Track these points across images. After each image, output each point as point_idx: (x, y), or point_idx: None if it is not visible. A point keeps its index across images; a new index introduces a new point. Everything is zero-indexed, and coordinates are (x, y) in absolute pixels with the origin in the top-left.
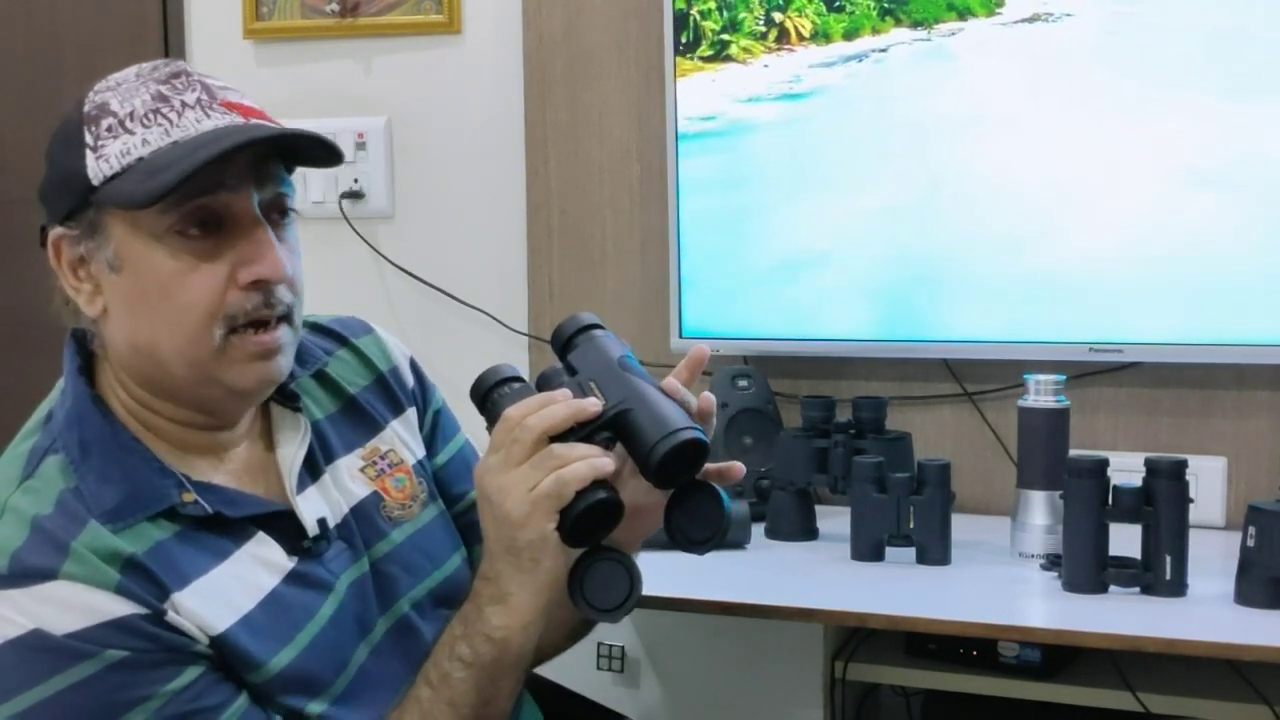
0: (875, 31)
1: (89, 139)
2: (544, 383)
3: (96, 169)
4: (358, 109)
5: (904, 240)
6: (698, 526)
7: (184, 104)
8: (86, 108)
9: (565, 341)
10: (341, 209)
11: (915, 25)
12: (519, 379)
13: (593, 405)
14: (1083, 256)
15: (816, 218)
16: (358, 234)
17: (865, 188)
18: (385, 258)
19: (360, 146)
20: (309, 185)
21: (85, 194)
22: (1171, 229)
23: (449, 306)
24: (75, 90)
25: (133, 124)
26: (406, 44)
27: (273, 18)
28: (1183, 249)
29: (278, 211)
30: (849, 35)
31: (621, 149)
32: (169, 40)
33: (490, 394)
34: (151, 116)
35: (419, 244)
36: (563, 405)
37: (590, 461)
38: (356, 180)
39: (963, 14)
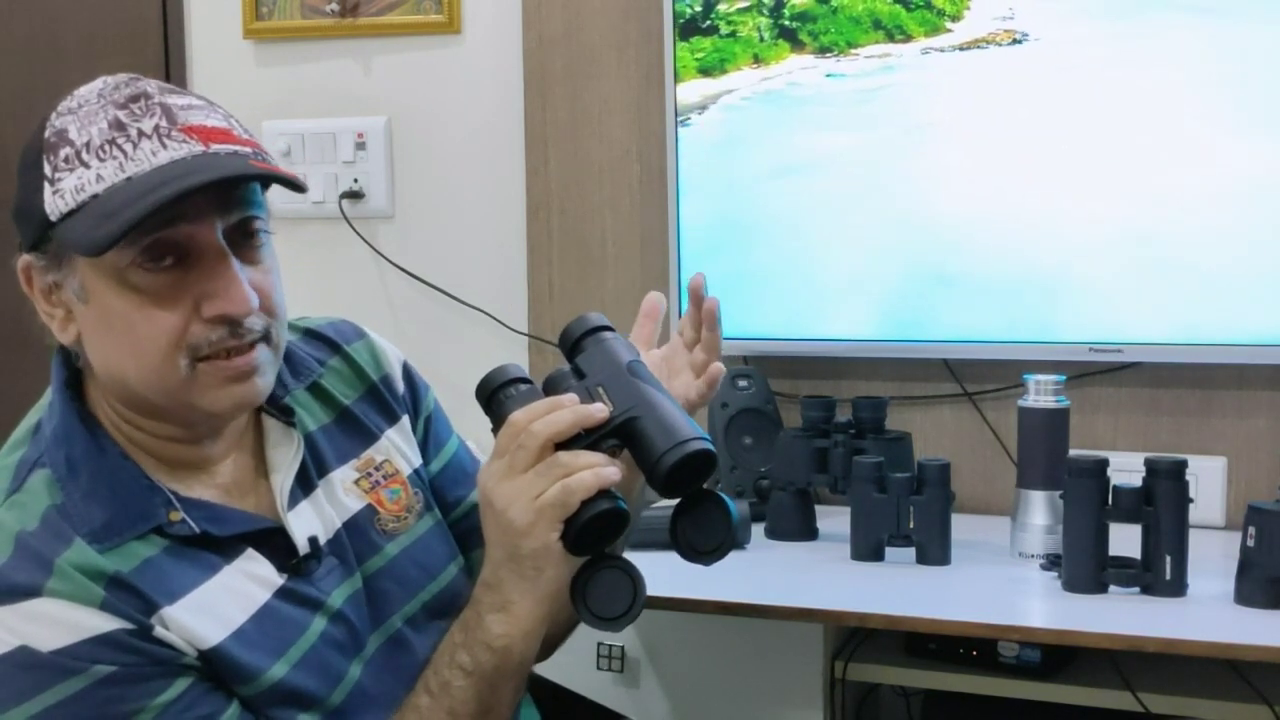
0: (759, 61)
1: (47, 169)
2: (551, 386)
3: (53, 205)
4: (358, 109)
5: (904, 240)
6: (704, 537)
7: (140, 133)
8: (47, 133)
9: (573, 343)
10: (341, 209)
11: (822, 52)
12: (526, 380)
13: (599, 411)
14: (1083, 256)
15: (816, 218)
16: (358, 234)
17: (865, 187)
18: (385, 258)
19: (360, 146)
20: (309, 185)
21: (45, 228)
22: (1171, 229)
23: (449, 306)
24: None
25: (88, 156)
26: (406, 44)
27: (273, 18)
28: (1182, 249)
29: (248, 234)
30: (708, 70)
31: (621, 149)
32: (169, 40)
33: (496, 395)
34: (107, 148)
35: (419, 244)
36: (569, 411)
37: (596, 471)
38: (356, 180)
39: (893, 34)
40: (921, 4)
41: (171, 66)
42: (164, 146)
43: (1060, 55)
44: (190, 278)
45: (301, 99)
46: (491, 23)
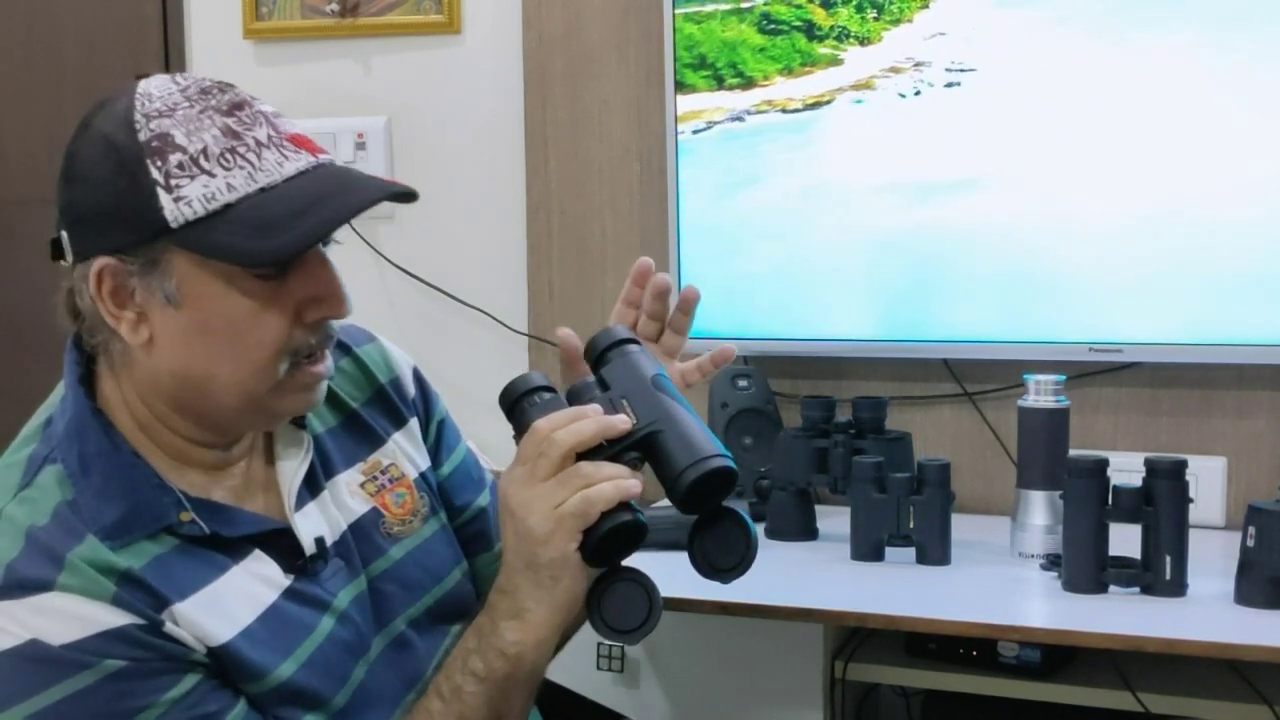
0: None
1: (157, 174)
2: (575, 396)
3: (176, 212)
4: (358, 109)
5: (904, 240)
6: (723, 554)
7: (257, 142)
8: (142, 135)
9: (598, 355)
10: None
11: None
12: (550, 389)
13: (622, 423)
14: (1083, 256)
15: (816, 218)
16: (358, 234)
17: (865, 187)
18: (385, 258)
19: (360, 146)
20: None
21: (157, 233)
22: (1171, 229)
23: (449, 306)
24: (75, 90)
25: (209, 163)
26: (406, 44)
27: (273, 18)
28: (1182, 249)
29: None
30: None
31: (621, 149)
32: (169, 40)
33: (520, 402)
34: (229, 157)
35: (419, 244)
36: (592, 421)
37: (617, 483)
38: None
39: (722, 78)
40: (796, 26)
41: (171, 67)
42: (285, 157)
43: (1059, 56)
44: (290, 283)
45: (301, 99)
46: (491, 23)
